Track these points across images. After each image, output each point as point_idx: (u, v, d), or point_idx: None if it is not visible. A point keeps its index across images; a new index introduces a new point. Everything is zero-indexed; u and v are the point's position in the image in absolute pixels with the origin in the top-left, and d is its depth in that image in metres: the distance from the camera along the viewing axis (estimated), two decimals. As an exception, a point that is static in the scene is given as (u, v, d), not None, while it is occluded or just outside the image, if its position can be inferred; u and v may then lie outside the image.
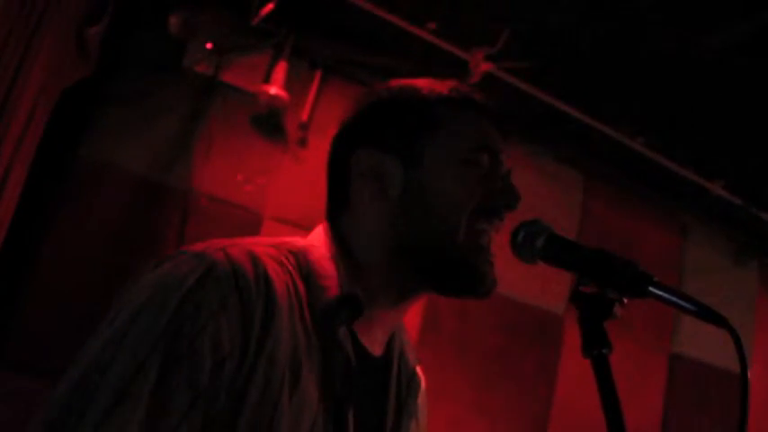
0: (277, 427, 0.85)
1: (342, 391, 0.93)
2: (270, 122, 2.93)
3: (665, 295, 0.86)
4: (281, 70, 2.90)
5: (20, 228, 2.42)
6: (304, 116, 3.07)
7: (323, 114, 3.08)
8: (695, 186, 3.70)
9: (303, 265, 0.97)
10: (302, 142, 3.06)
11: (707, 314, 0.83)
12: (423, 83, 1.07)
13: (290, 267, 0.95)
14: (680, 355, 3.91)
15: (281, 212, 2.95)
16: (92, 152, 2.72)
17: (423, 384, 1.16)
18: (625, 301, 0.89)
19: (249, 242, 0.94)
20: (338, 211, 1.07)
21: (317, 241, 1.02)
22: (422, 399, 1.15)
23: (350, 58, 3.00)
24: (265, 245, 0.96)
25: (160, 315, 0.82)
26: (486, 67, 2.93)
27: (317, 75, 3.10)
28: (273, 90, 2.88)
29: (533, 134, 3.34)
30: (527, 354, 3.50)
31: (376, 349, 1.03)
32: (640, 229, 3.89)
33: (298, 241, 1.02)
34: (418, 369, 1.16)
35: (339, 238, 1.03)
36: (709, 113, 3.21)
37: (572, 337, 3.47)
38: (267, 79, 2.93)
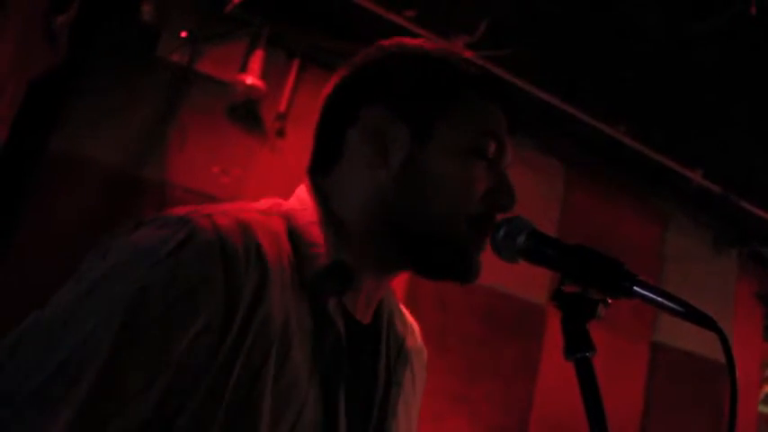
0: (260, 406, 0.80)
1: (333, 369, 0.89)
2: (246, 113, 2.89)
3: (651, 296, 0.83)
4: (257, 59, 2.85)
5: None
6: (281, 106, 3.03)
7: (301, 104, 3.04)
8: (675, 175, 3.72)
9: (291, 232, 0.91)
10: (280, 133, 3.02)
11: (694, 315, 0.81)
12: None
13: (280, 234, 0.90)
14: (661, 343, 3.94)
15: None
16: (64, 144, 2.66)
17: (419, 343, 1.13)
18: (609, 301, 0.86)
19: (238, 208, 0.88)
20: (325, 167, 1.00)
21: (300, 204, 0.96)
22: (419, 363, 1.11)
23: (328, 46, 2.95)
24: (254, 211, 0.90)
25: (127, 282, 0.77)
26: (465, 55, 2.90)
27: (295, 64, 3.05)
28: (250, 80, 2.83)
29: (514, 123, 3.32)
30: (509, 344, 3.49)
31: (364, 317, 0.99)
32: (621, 218, 3.91)
33: (282, 204, 0.97)
34: (416, 332, 1.13)
35: (324, 198, 0.97)
36: (689, 103, 3.22)
37: (554, 327, 3.47)
38: (243, 69, 2.89)
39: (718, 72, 2.99)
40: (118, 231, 0.84)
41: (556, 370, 3.48)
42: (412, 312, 1.20)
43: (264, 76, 2.86)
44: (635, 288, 0.83)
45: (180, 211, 0.85)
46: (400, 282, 1.06)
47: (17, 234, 2.58)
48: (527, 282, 3.47)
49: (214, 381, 0.78)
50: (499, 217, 0.96)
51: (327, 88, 1.02)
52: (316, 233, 0.92)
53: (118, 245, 0.82)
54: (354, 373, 0.94)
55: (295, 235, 0.91)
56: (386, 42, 1.02)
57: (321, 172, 1.00)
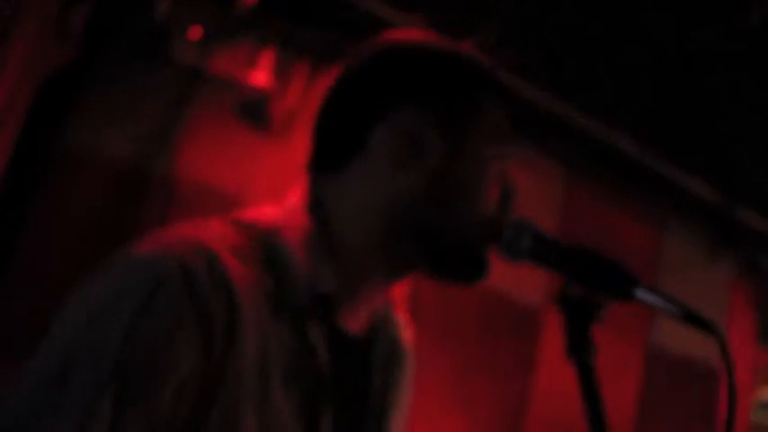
0: None
1: (316, 394, 0.87)
2: (256, 111, 2.90)
3: (653, 299, 0.87)
4: (267, 58, 2.87)
5: (1, 215, 2.38)
6: (291, 105, 3.05)
7: (310, 104, 3.06)
8: (674, 182, 3.74)
9: (271, 254, 0.87)
10: (288, 132, 3.04)
11: (694, 319, 0.84)
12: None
13: (255, 259, 0.85)
14: (657, 347, 3.95)
15: (265, 201, 2.91)
16: (75, 138, 2.68)
17: (409, 342, 1.11)
18: (611, 303, 0.89)
19: (208, 235, 0.84)
20: (334, 166, 0.95)
21: (290, 218, 0.92)
22: (410, 365, 1.10)
23: (337, 46, 2.97)
24: (225, 234, 0.86)
25: (105, 345, 0.74)
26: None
27: (305, 64, 3.07)
28: (260, 78, 2.85)
29: (516, 126, 3.33)
30: (505, 344, 3.51)
31: (357, 326, 0.96)
32: (619, 223, 3.92)
33: (267, 217, 0.92)
34: (408, 330, 1.11)
35: (320, 206, 0.93)
36: (689, 110, 3.24)
37: (550, 328, 3.50)
38: (253, 67, 2.90)
39: (718, 80, 3.01)
40: (86, 279, 0.81)
41: (552, 370, 3.51)
42: (413, 313, 1.20)
43: (274, 75, 2.89)
44: (637, 291, 0.86)
45: (145, 246, 0.81)
46: (404, 282, 1.06)
47: (28, 228, 2.60)
48: (524, 283, 3.49)
49: (196, 426, 0.77)
50: (504, 219, 0.97)
51: (333, 81, 0.98)
52: (300, 257, 0.88)
53: (87, 298, 0.79)
54: (345, 389, 0.93)
55: (277, 259, 0.88)
56: (397, 35, 1.01)
57: (327, 169, 0.96)
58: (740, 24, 2.62)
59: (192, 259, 0.79)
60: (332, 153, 0.96)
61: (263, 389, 0.82)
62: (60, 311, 0.80)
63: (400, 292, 1.08)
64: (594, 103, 3.33)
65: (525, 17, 2.84)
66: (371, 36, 1.02)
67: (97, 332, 0.75)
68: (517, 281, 3.42)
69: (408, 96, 0.94)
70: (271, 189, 3.05)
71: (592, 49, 2.94)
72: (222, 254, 0.82)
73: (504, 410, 3.47)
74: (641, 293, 0.87)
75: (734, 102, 3.13)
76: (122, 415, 0.72)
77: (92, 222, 2.64)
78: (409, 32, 1.04)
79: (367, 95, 0.95)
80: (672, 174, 3.70)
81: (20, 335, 2.47)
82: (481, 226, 0.96)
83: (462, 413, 3.35)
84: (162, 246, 0.81)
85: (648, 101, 3.24)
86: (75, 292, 0.80)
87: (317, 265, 0.89)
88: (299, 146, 3.01)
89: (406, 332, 1.12)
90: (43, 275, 2.53)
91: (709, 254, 4.25)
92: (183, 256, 0.79)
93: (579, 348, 0.86)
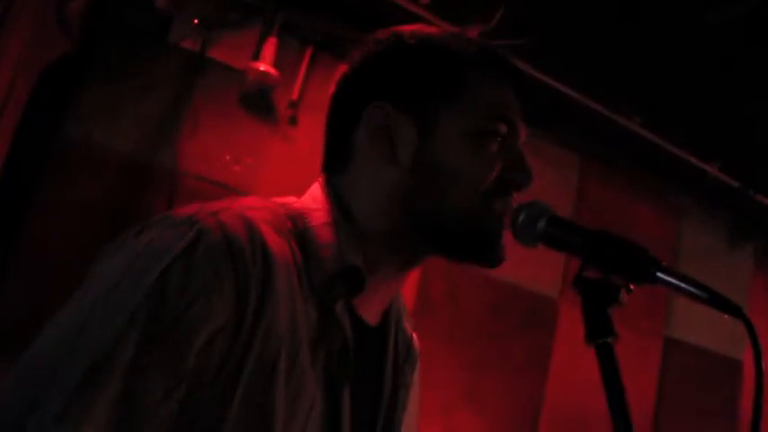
0: (274, 408, 0.80)
1: (339, 372, 0.89)
2: (259, 100, 2.87)
3: (675, 282, 0.82)
4: (270, 47, 2.83)
5: (0, 209, 2.36)
6: (294, 94, 3.01)
7: (313, 93, 3.02)
8: (691, 168, 3.68)
9: (301, 232, 0.91)
10: (292, 121, 3.00)
11: (720, 303, 0.80)
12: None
13: (288, 235, 0.89)
14: (674, 339, 3.90)
15: (270, 192, 2.87)
16: (75, 130, 2.65)
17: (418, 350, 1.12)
18: (631, 287, 0.85)
19: (243, 206, 0.87)
20: (339, 168, 1.00)
21: (314, 203, 0.96)
22: (419, 364, 1.11)
23: (341, 34, 2.93)
24: (260, 208, 0.89)
25: (139, 286, 0.76)
26: (480, 44, 2.87)
27: (308, 52, 3.03)
28: (262, 67, 2.81)
29: (528, 113, 3.29)
30: (519, 338, 3.47)
31: (373, 319, 0.99)
32: (636, 211, 3.87)
33: (294, 203, 0.97)
34: (415, 336, 1.12)
35: (339, 198, 0.97)
36: (706, 95, 3.18)
37: (566, 321, 3.44)
38: (256, 56, 2.86)
39: (735, 64, 2.95)
40: (122, 236, 0.84)
41: (567, 363, 3.46)
42: (423, 306, 1.21)
43: (277, 63, 2.84)
44: (659, 274, 0.82)
45: (184, 210, 0.84)
46: (412, 276, 1.05)
47: (28, 222, 2.57)
48: (538, 274, 3.45)
49: (225, 384, 0.78)
50: (518, 202, 0.95)
51: (332, 88, 1.03)
52: (327, 235, 0.92)
53: (126, 249, 0.81)
54: (361, 376, 0.94)
55: (306, 236, 0.91)
56: (383, 34, 1.01)
57: (335, 171, 1.00)
58: (760, 6, 2.55)
59: (231, 223, 0.82)
60: (333, 157, 1.01)
61: (293, 358, 0.84)
62: (96, 261, 0.83)
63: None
64: (609, 90, 3.27)
65: (536, 3, 2.79)
66: (376, 23, 1.06)
67: (131, 280, 0.77)
68: (531, 270, 3.37)
69: (381, 93, 0.97)
70: (276, 179, 3.02)
71: (605, 34, 2.88)
72: (260, 224, 0.85)
73: (519, 405, 3.43)
74: (663, 276, 0.82)
75: (753, 87, 3.07)
76: (144, 358, 0.74)
77: (93, 216, 2.61)
78: (400, 28, 1.03)
79: (346, 101, 1.00)
80: (690, 161, 3.64)
81: (20, 330, 2.45)
82: (483, 204, 0.94)
83: (475, 408, 3.31)
84: (203, 209, 0.84)
85: (665, 87, 3.18)
86: (113, 247, 0.83)
87: (344, 245, 0.91)
88: (303, 135, 2.99)
89: (415, 333, 1.13)
90: (43, 271, 2.52)
91: (728, 242, 4.20)
92: (222, 218, 0.82)
93: (598, 332, 0.82)
